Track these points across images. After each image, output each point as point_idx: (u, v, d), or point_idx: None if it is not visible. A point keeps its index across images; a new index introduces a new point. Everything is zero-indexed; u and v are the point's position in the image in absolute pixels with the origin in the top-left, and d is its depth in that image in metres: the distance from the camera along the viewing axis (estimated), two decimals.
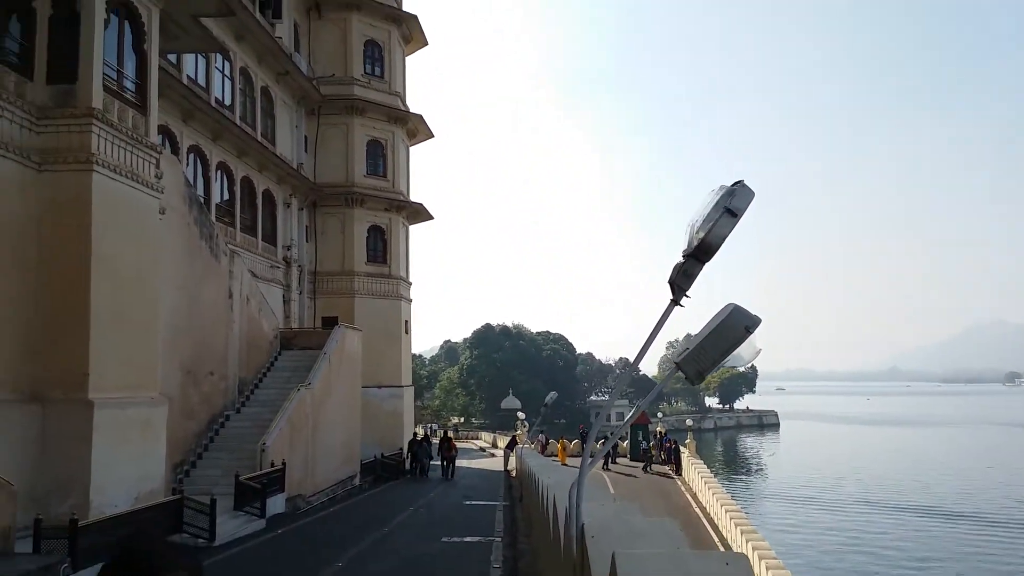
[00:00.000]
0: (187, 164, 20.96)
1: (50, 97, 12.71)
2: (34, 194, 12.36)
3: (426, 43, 34.28)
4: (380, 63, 31.55)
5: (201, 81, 21.84)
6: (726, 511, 18.33)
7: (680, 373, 3.71)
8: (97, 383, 12.31)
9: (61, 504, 11.57)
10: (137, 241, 13.74)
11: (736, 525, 16.90)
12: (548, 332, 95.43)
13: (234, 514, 14.42)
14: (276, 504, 16.24)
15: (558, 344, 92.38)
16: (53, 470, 11.82)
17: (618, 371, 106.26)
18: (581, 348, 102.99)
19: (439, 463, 28.97)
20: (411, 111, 32.77)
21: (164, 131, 19.28)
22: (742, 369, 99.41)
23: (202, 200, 20.01)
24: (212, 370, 18.58)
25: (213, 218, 20.78)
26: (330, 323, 28.08)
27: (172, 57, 19.48)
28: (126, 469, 12.73)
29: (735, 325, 3.47)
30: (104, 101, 13.05)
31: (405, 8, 33.19)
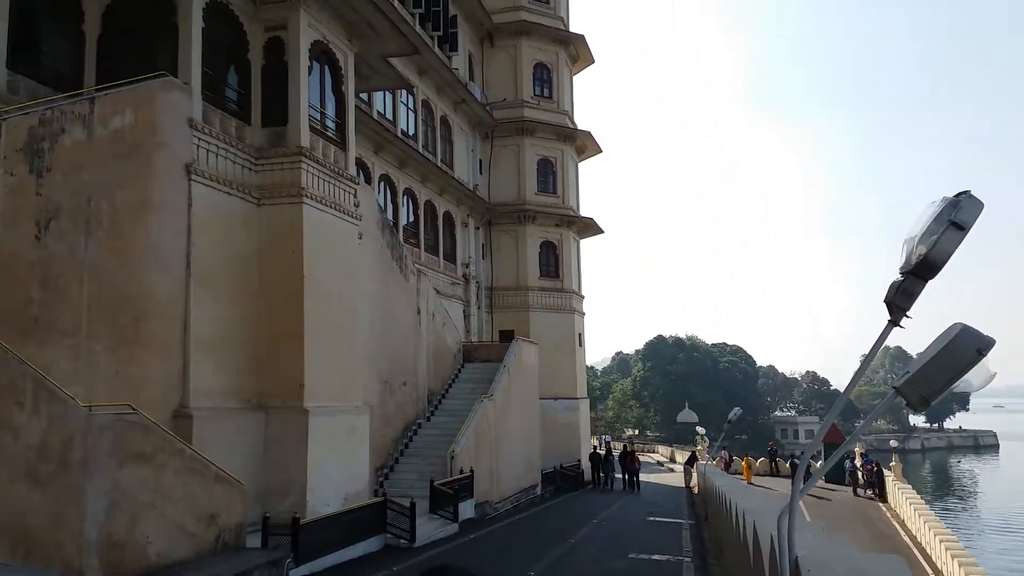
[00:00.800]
0: (378, 191, 22.70)
1: (265, 139, 14.30)
2: (255, 226, 13.93)
3: (592, 61, 34.68)
4: (548, 84, 32.34)
5: (389, 115, 23.59)
6: (941, 542, 16.62)
7: (900, 399, 3.50)
8: (311, 393, 13.60)
9: (282, 503, 12.89)
10: (340, 265, 15.08)
11: (953, 557, 15.28)
12: (724, 344, 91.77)
13: (430, 517, 15.31)
14: (467, 509, 17.01)
15: (736, 356, 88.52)
16: (275, 472, 13.20)
17: (804, 386, 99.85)
18: (761, 360, 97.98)
19: (619, 476, 28.96)
20: (579, 128, 33.24)
21: (359, 162, 21.00)
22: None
23: (392, 224, 21.53)
24: (405, 381, 19.89)
25: (401, 240, 22.28)
26: (507, 336, 29.05)
27: (364, 96, 21.21)
28: (336, 472, 13.94)
29: (964, 347, 3.22)
30: (310, 140, 14.48)
31: (572, 28, 33.79)
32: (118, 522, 8.78)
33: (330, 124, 15.61)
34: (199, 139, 12.72)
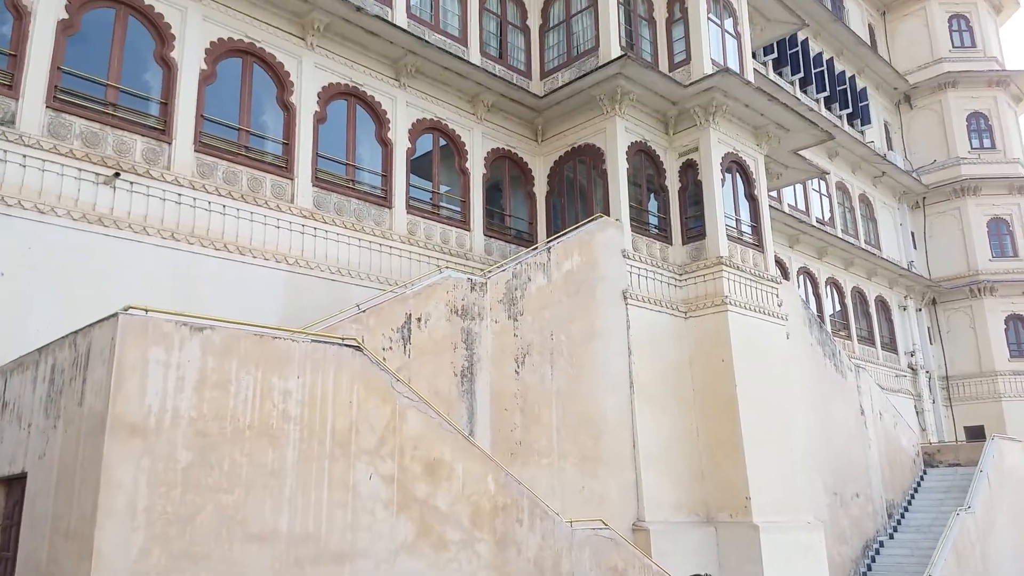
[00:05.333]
0: (798, 286, 21.81)
1: (687, 255, 15.00)
2: (685, 338, 14.49)
3: None
4: (989, 133, 27.90)
5: (800, 206, 22.85)
6: None
7: None
8: (758, 506, 13.16)
9: None
10: (771, 369, 14.67)
11: None
12: None
13: None
14: None
15: None
16: None
17: None
18: None
19: None
20: None
21: (775, 260, 20.58)
22: None
23: (818, 318, 20.36)
24: (857, 492, 18.00)
25: (831, 334, 20.84)
26: (974, 433, 24.66)
27: (773, 192, 20.98)
28: None
29: None
30: (729, 248, 14.74)
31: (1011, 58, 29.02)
32: None
33: (746, 229, 15.73)
34: (631, 266, 13.94)
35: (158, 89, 10.24)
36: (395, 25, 12.81)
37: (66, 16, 9.43)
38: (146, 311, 5.73)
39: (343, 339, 7.39)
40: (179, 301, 9.33)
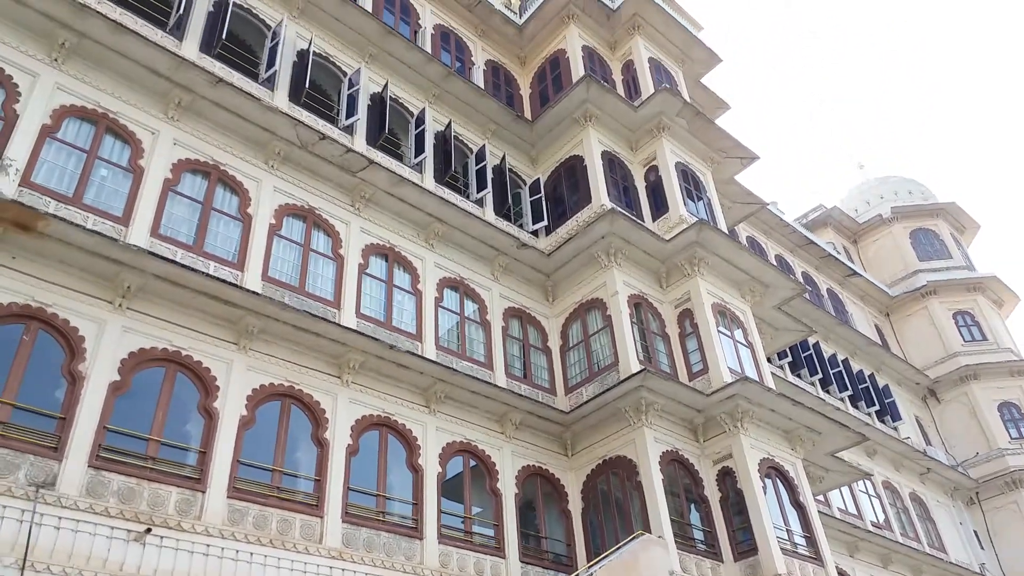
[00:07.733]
0: None
1: (741, 573, 13.82)
2: None
3: None
4: (1021, 423, 27.47)
5: (852, 510, 21.65)
6: None
7: None
8: None
9: None
10: None
11: None
12: None
13: None
14: None
15: None
16: None
17: None
18: None
19: None
20: None
21: (838, 573, 18.88)
22: None
23: None
24: None
25: None
26: None
27: (820, 496, 20.02)
28: None
29: None
30: (786, 563, 13.59)
31: None
32: None
33: (799, 540, 14.70)
34: None
35: (197, 438, 10.47)
36: (425, 358, 13.53)
37: (118, 378, 10.00)
38: None
39: None
40: None
